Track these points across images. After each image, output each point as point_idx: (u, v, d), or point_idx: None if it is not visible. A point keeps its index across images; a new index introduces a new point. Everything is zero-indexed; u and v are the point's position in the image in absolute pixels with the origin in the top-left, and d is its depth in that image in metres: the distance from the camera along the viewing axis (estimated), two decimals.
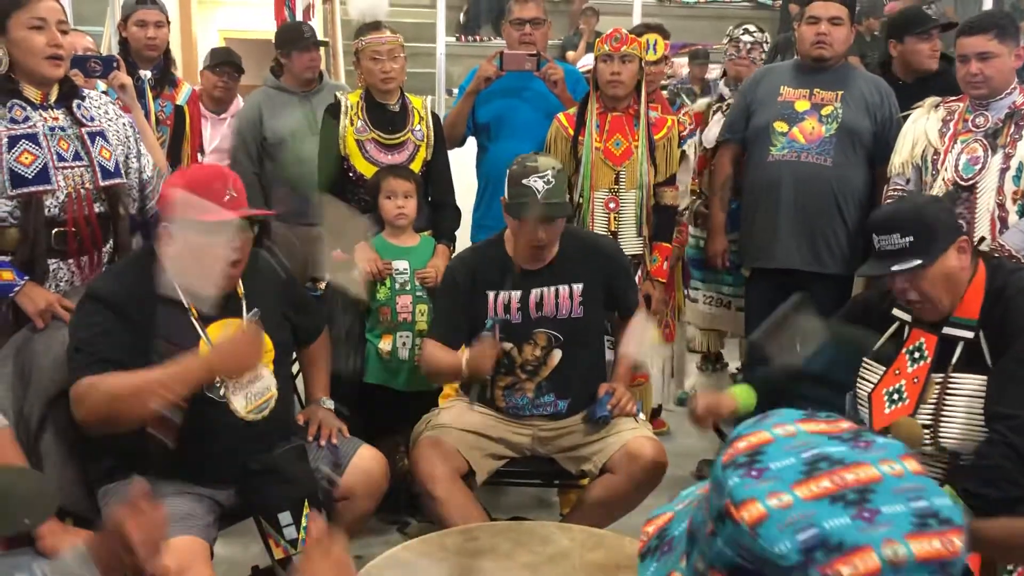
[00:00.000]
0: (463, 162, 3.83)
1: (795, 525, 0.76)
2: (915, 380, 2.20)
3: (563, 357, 2.67)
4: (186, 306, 2.19)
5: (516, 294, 2.63)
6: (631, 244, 3.31)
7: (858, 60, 5.08)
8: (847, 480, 0.79)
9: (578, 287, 2.67)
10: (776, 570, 0.76)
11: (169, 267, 2.17)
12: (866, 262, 2.29)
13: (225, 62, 4.26)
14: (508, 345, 2.64)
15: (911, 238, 2.11)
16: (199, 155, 3.77)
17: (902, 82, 3.56)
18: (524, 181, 2.53)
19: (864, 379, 2.29)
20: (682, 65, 7.14)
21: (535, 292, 2.64)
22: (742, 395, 2.36)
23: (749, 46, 3.94)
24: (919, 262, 2.10)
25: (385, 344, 3.05)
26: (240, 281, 2.30)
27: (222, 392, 2.19)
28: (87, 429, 2.08)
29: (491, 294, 2.63)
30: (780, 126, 3.34)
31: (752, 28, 4.02)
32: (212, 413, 2.17)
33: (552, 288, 2.65)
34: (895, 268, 2.12)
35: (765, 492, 0.78)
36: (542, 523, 2.33)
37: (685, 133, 3.85)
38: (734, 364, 4.85)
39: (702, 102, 4.15)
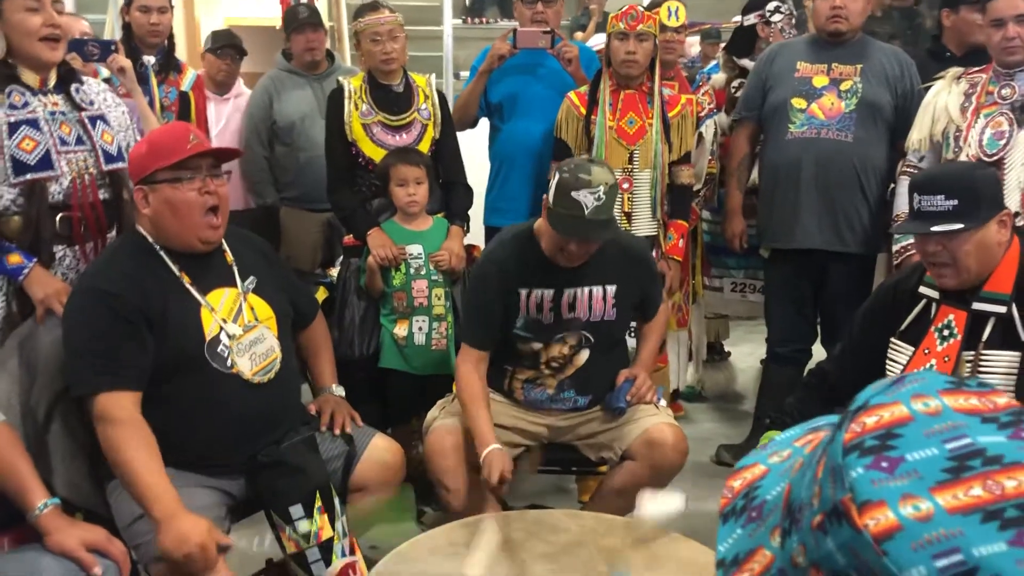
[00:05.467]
0: (476, 143, 3.76)
1: (935, 546, 0.58)
2: (945, 359, 2.13)
3: (590, 358, 2.59)
4: (178, 275, 2.15)
5: (549, 293, 2.53)
6: (645, 225, 3.24)
7: None
8: (1006, 489, 0.60)
9: (611, 289, 2.56)
10: None
11: (151, 234, 2.16)
12: (903, 221, 2.23)
13: (227, 45, 4.20)
14: (537, 345, 2.55)
15: (956, 201, 2.05)
16: None
17: (951, 54, 3.45)
18: (573, 194, 2.34)
19: (893, 360, 2.23)
20: (692, 44, 7.03)
21: (568, 292, 2.53)
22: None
23: (780, 25, 3.87)
24: (961, 226, 2.04)
25: (401, 329, 2.99)
26: (227, 249, 2.26)
27: (229, 362, 2.15)
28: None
29: (523, 292, 2.53)
30: (798, 103, 3.25)
31: (782, 6, 3.93)
32: (219, 383, 2.13)
33: (586, 289, 2.54)
34: (936, 228, 2.06)
35: (899, 494, 0.60)
36: (548, 511, 2.29)
37: (704, 113, 3.77)
38: (740, 351, 4.81)
39: (720, 77, 4.06)
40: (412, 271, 3.00)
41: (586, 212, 2.35)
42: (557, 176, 2.41)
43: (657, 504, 2.23)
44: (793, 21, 4.05)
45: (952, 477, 0.61)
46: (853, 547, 0.61)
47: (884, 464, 0.62)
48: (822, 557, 0.64)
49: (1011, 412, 0.66)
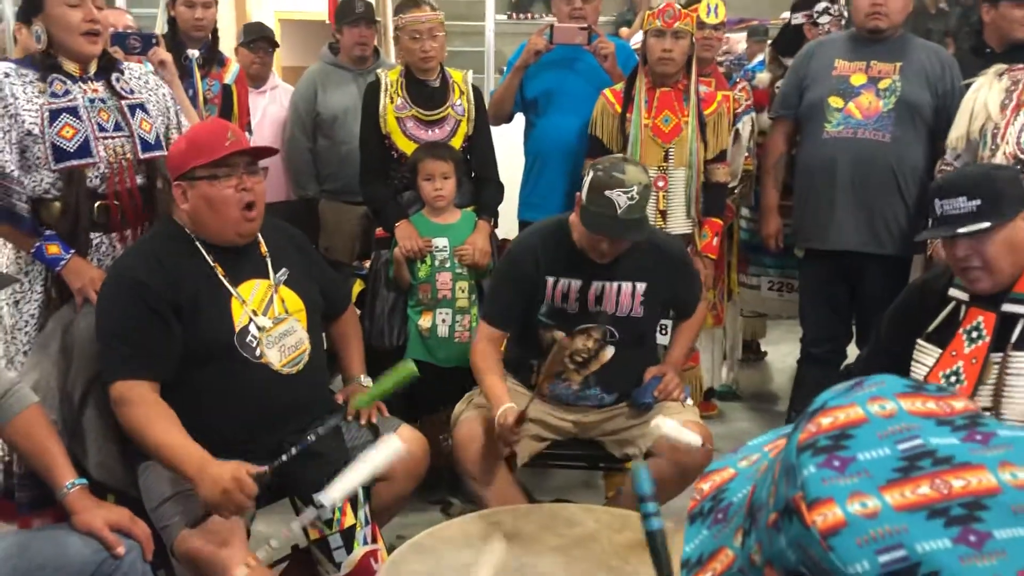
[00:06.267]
0: (510, 138, 3.78)
1: (879, 542, 0.59)
2: (973, 361, 2.11)
3: (616, 354, 2.58)
4: (212, 265, 2.20)
5: (576, 283, 2.54)
6: (680, 223, 3.24)
7: None
8: (953, 488, 0.61)
9: (641, 286, 2.56)
10: None
11: (188, 225, 2.22)
12: (928, 228, 2.20)
13: (259, 37, 4.24)
14: (560, 334, 2.56)
15: (978, 202, 2.03)
16: (247, 133, 3.77)
17: (992, 51, 3.39)
18: (607, 193, 2.35)
19: (919, 362, 2.20)
20: (738, 41, 6.97)
21: (596, 285, 2.54)
22: None
23: (827, 27, 3.82)
24: (987, 224, 2.01)
25: (425, 321, 3.04)
26: (263, 241, 2.31)
27: (258, 352, 2.19)
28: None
29: (551, 279, 2.55)
30: (835, 101, 3.21)
31: (832, 7, 3.88)
32: (248, 372, 2.18)
33: (615, 284, 2.55)
34: (962, 230, 2.04)
35: (847, 492, 0.62)
36: (563, 505, 2.30)
37: (740, 110, 3.75)
38: (778, 350, 4.77)
39: (764, 76, 4.03)
40: (437, 264, 3.03)
41: (619, 211, 2.36)
42: (591, 174, 2.41)
43: (676, 428, 2.32)
44: (843, 23, 3.99)
45: (901, 476, 0.62)
46: (802, 543, 0.62)
47: (835, 463, 0.63)
48: (775, 554, 0.65)
49: (967, 415, 0.66)
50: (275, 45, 4.32)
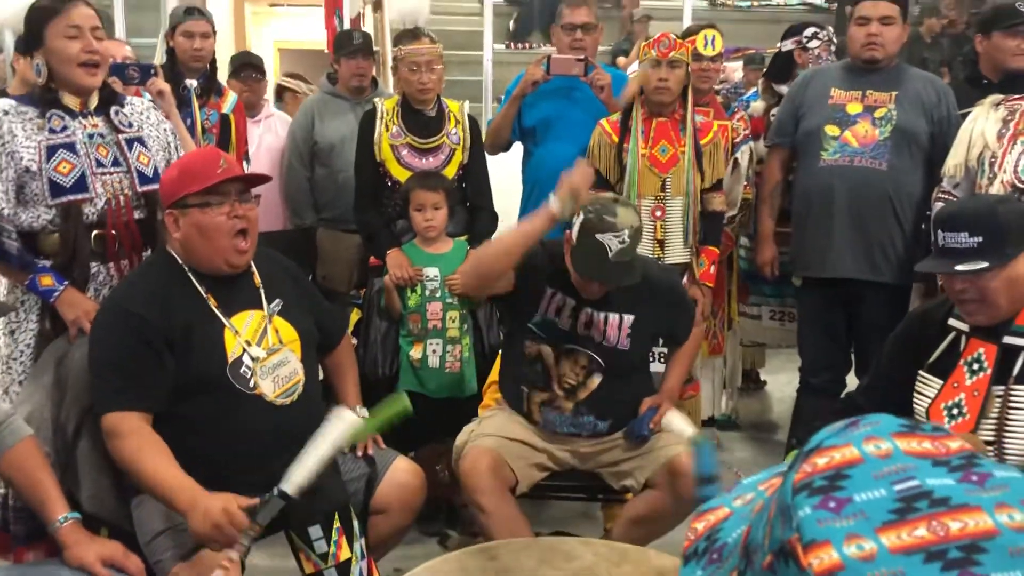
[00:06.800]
0: (509, 166, 3.79)
1: None
2: (975, 393, 2.08)
3: (604, 383, 2.57)
4: (204, 296, 2.19)
5: (572, 302, 2.53)
6: (678, 252, 3.23)
7: None
8: (951, 531, 0.60)
9: (629, 319, 2.55)
10: None
11: (180, 255, 2.20)
12: (927, 258, 2.18)
13: (244, 65, 4.25)
14: (547, 348, 2.55)
15: (980, 238, 1.99)
16: (244, 162, 3.78)
17: (988, 81, 3.40)
18: (598, 236, 2.33)
19: (921, 393, 2.18)
20: (735, 69, 7.01)
21: (586, 311, 2.54)
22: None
23: (817, 52, 3.85)
24: (986, 264, 1.98)
25: (416, 352, 3.03)
26: (256, 271, 2.29)
27: (252, 383, 2.17)
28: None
29: (549, 291, 2.54)
30: (831, 130, 3.22)
31: (820, 32, 3.92)
32: (241, 403, 2.16)
33: (602, 314, 2.54)
34: (959, 268, 2.01)
35: (843, 534, 0.61)
36: (563, 539, 2.27)
37: (739, 139, 3.76)
38: (777, 379, 4.75)
39: (759, 104, 4.05)
40: (428, 293, 3.03)
41: (610, 255, 2.35)
42: (582, 216, 2.39)
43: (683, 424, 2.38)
44: (833, 48, 4.02)
45: (898, 518, 0.61)
46: None
47: (832, 504, 0.62)
48: None
49: (963, 456, 0.66)
50: (262, 72, 4.33)
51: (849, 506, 0.62)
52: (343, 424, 2.07)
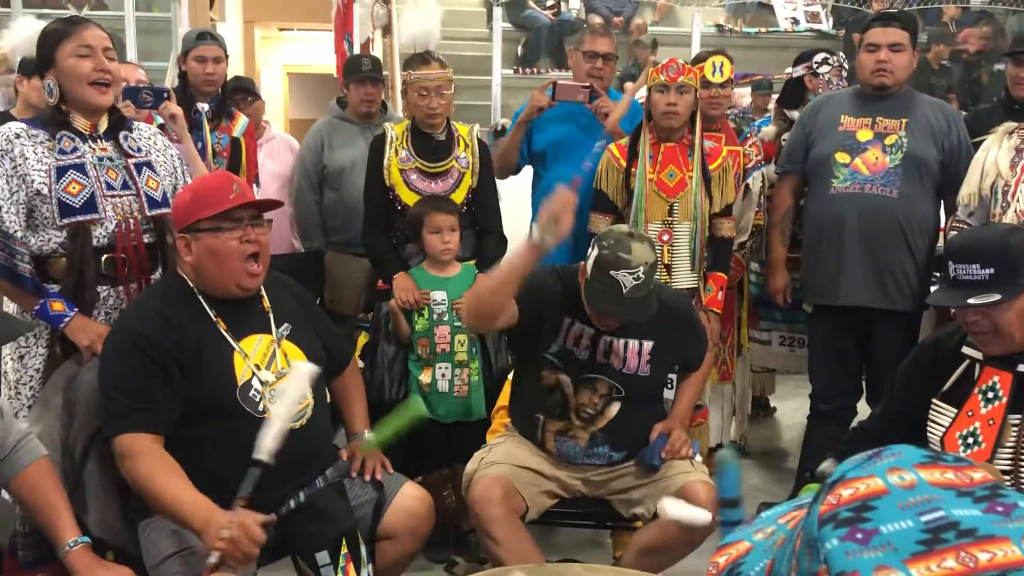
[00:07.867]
0: (519, 189, 3.79)
1: None
2: (990, 422, 2.07)
3: (621, 410, 2.55)
4: (214, 319, 2.19)
5: (590, 331, 2.52)
6: (685, 278, 3.22)
7: None
8: (979, 562, 0.60)
9: (648, 344, 2.54)
10: None
11: (191, 278, 2.21)
12: (938, 289, 2.17)
13: (235, 89, 4.23)
14: (565, 378, 2.54)
15: (992, 270, 1.99)
16: (255, 186, 3.79)
17: (1019, 107, 3.40)
18: (612, 273, 2.32)
19: (935, 422, 2.17)
20: (743, 95, 7.05)
21: (605, 339, 2.53)
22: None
23: (827, 77, 3.86)
24: (998, 297, 1.97)
25: (425, 376, 3.01)
26: (265, 295, 2.30)
27: (261, 407, 2.16)
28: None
29: (567, 320, 2.53)
30: (842, 157, 3.21)
31: (831, 58, 3.93)
32: (251, 426, 2.13)
33: (622, 341, 2.53)
34: (972, 301, 2.00)
35: (872, 565, 0.60)
36: (567, 565, 2.25)
37: (751, 165, 3.76)
38: (787, 406, 4.72)
39: (770, 129, 4.06)
40: (435, 317, 3.02)
41: (624, 291, 2.34)
42: (596, 251, 2.38)
43: (682, 508, 2.22)
44: (844, 73, 4.03)
45: (926, 549, 0.61)
46: None
47: (859, 535, 0.62)
48: None
49: (987, 486, 0.66)
50: (255, 94, 4.33)
51: (876, 537, 0.62)
52: (300, 377, 2.08)
